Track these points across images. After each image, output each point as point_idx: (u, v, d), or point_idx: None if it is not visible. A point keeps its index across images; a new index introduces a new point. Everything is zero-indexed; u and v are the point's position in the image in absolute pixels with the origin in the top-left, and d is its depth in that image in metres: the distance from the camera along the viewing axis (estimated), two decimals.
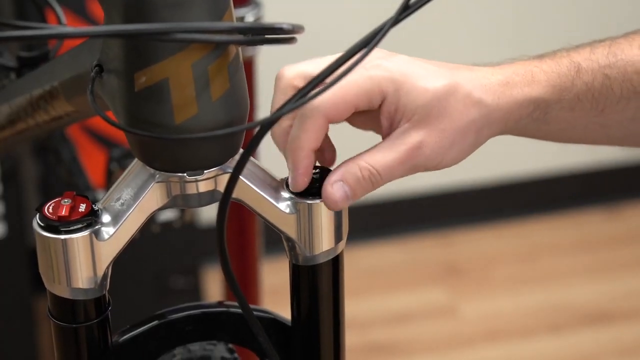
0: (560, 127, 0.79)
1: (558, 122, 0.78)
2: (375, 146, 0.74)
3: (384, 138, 0.75)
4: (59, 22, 0.98)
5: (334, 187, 0.73)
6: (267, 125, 0.64)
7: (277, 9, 1.73)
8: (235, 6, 0.69)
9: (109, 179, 1.31)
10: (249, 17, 1.37)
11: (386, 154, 0.73)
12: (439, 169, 0.75)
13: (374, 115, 0.75)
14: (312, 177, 0.73)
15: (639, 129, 0.80)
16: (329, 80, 0.65)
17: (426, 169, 0.75)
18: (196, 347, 0.82)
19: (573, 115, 0.78)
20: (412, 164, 0.73)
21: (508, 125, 0.76)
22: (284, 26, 0.64)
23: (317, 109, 0.72)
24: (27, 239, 1.80)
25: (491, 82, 0.75)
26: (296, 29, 0.64)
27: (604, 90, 0.77)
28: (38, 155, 1.85)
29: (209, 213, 1.96)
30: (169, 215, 1.38)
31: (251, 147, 0.65)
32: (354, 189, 0.73)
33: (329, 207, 0.73)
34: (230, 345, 0.83)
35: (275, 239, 0.77)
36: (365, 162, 0.73)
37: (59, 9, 0.99)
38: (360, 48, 0.65)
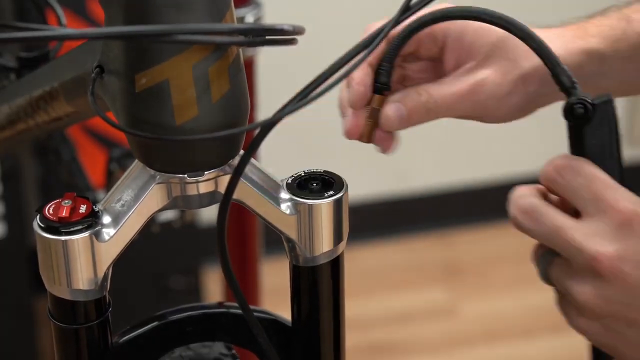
0: (621, 79, 0.80)
1: (617, 74, 0.79)
2: (438, 80, 0.77)
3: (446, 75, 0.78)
4: (59, 22, 0.98)
5: (391, 107, 0.76)
6: (268, 126, 0.64)
7: (277, 9, 1.73)
8: (235, 6, 0.68)
9: (109, 179, 1.31)
10: (249, 17, 1.37)
11: (447, 87, 0.76)
12: (491, 122, 0.77)
13: (435, 64, 0.78)
14: (312, 180, 0.73)
15: None
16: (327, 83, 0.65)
17: (481, 114, 0.77)
18: (195, 345, 0.81)
19: (634, 67, 0.79)
20: (471, 101, 0.76)
21: None
22: (285, 27, 0.64)
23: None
24: (27, 239, 1.80)
25: (548, 35, 0.76)
26: (297, 30, 0.64)
27: None
28: (38, 156, 1.85)
29: (209, 213, 1.95)
30: (169, 215, 1.38)
31: (252, 149, 0.65)
32: (410, 112, 0.76)
33: (384, 127, 0.76)
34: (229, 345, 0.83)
35: (275, 239, 0.77)
36: (424, 90, 0.76)
37: (59, 9, 0.99)
38: (361, 49, 0.65)
